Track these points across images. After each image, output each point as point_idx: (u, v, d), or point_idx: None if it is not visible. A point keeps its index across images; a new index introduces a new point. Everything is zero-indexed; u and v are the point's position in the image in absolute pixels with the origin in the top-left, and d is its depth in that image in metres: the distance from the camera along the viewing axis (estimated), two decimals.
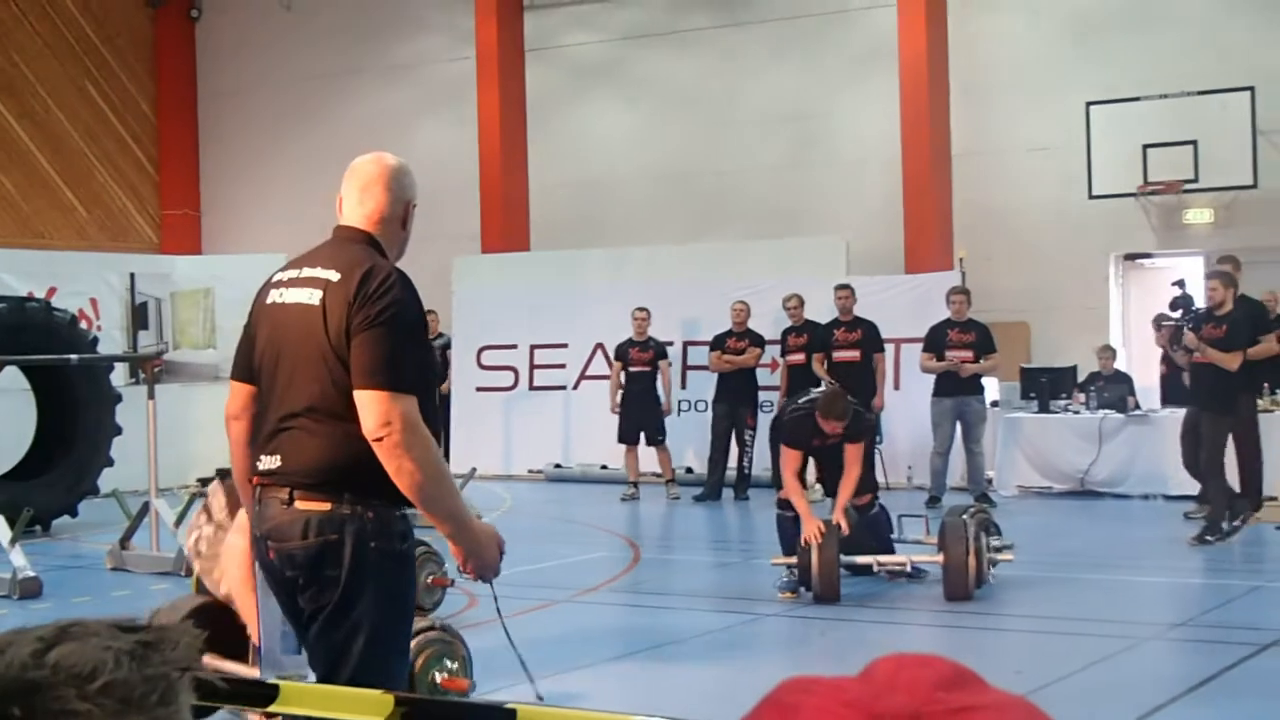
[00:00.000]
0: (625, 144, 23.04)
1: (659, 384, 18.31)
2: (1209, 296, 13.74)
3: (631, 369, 18.35)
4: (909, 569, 11.41)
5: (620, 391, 18.36)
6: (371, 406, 4.50)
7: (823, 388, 11.86)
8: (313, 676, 4.90)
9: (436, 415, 4.90)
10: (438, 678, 7.29)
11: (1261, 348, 14.05)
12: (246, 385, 4.94)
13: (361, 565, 4.63)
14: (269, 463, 4.71)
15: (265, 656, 5.74)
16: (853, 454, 11.24)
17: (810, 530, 10.80)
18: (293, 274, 4.82)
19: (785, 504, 11.48)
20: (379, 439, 4.49)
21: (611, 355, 18.91)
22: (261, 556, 4.84)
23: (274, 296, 4.84)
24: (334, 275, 4.68)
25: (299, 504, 4.64)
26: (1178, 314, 14.00)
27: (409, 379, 4.56)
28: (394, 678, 4.70)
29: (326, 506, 4.62)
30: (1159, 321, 16.20)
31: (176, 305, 21.02)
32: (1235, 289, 13.69)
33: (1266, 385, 16.39)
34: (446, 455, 18.65)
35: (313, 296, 4.69)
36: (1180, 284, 14.23)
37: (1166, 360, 17.47)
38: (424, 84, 24.81)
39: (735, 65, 22.29)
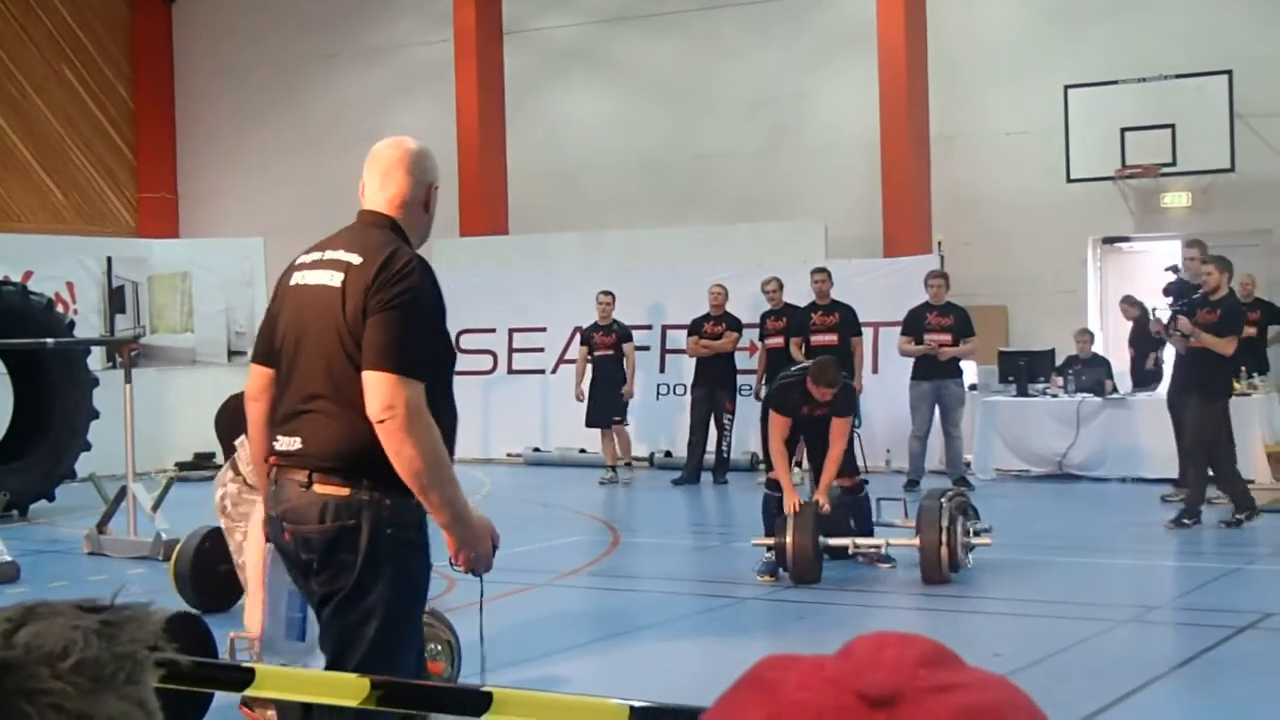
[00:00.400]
0: (603, 127, 23.02)
1: (625, 366, 18.29)
2: (1204, 281, 13.68)
3: (597, 353, 18.35)
4: (884, 553, 11.41)
5: (588, 376, 18.35)
6: (377, 389, 4.51)
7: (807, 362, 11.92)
8: (320, 661, 4.89)
9: (453, 405, 4.96)
10: None
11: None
12: (267, 368, 4.94)
13: (377, 551, 4.64)
14: (288, 444, 4.72)
15: (267, 641, 5.74)
16: (838, 429, 11.28)
17: (790, 502, 10.86)
18: (315, 256, 4.85)
19: (774, 484, 11.53)
20: (381, 421, 4.50)
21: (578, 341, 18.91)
22: (276, 537, 4.84)
23: (297, 278, 4.86)
24: (355, 258, 4.70)
25: (317, 487, 4.65)
26: (1169, 299, 14.01)
27: (418, 364, 4.57)
28: (402, 666, 4.67)
29: (345, 491, 4.63)
30: (1127, 305, 16.22)
31: (153, 289, 20.97)
32: (1230, 274, 13.67)
33: (1244, 369, 16.47)
34: None
35: (334, 279, 4.71)
36: (1174, 269, 14.26)
37: (1135, 344, 17.55)
38: (401, 67, 24.77)
39: (713, 49, 22.29)
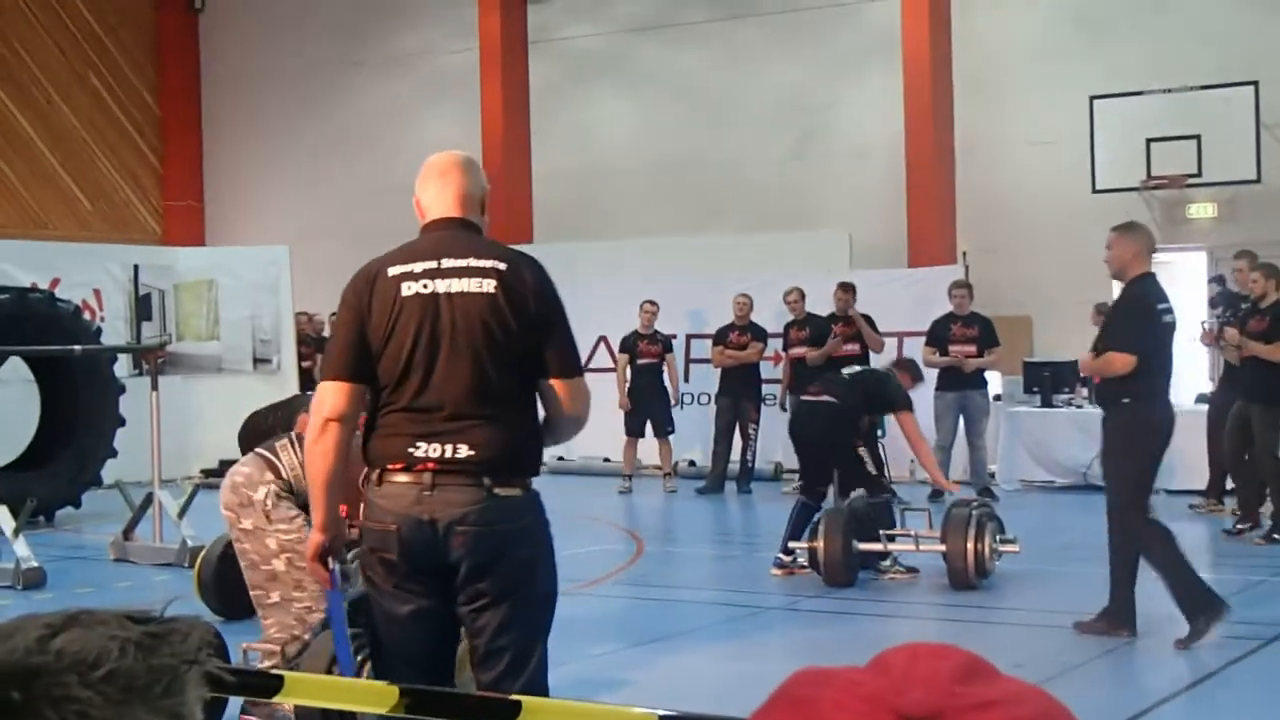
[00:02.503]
0: (627, 136, 23.02)
1: (665, 377, 18.32)
2: (1252, 289, 13.54)
3: (640, 361, 18.36)
4: (900, 562, 11.56)
5: (626, 384, 18.35)
6: (578, 394, 5.03)
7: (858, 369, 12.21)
8: None
9: None
10: None
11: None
12: (357, 385, 4.97)
13: (547, 542, 5.05)
14: (449, 451, 4.85)
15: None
16: (904, 423, 11.92)
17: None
18: (427, 265, 4.92)
19: (807, 490, 11.83)
20: (579, 421, 5.12)
21: (616, 348, 18.88)
22: (417, 542, 4.88)
23: (414, 288, 4.90)
24: (499, 264, 4.90)
25: (498, 490, 4.88)
26: (1218, 310, 13.91)
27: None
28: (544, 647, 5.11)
29: (518, 492, 4.95)
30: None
31: (180, 297, 21.01)
32: (1278, 281, 13.40)
33: None
34: None
35: (484, 285, 4.86)
36: (1220, 280, 14.12)
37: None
38: (427, 75, 24.80)
39: (737, 58, 22.27)
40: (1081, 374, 10.24)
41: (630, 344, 18.47)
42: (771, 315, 18.33)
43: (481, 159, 23.06)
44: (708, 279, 19.47)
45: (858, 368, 13.27)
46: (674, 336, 19.07)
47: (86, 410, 16.65)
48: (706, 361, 18.62)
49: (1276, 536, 13.22)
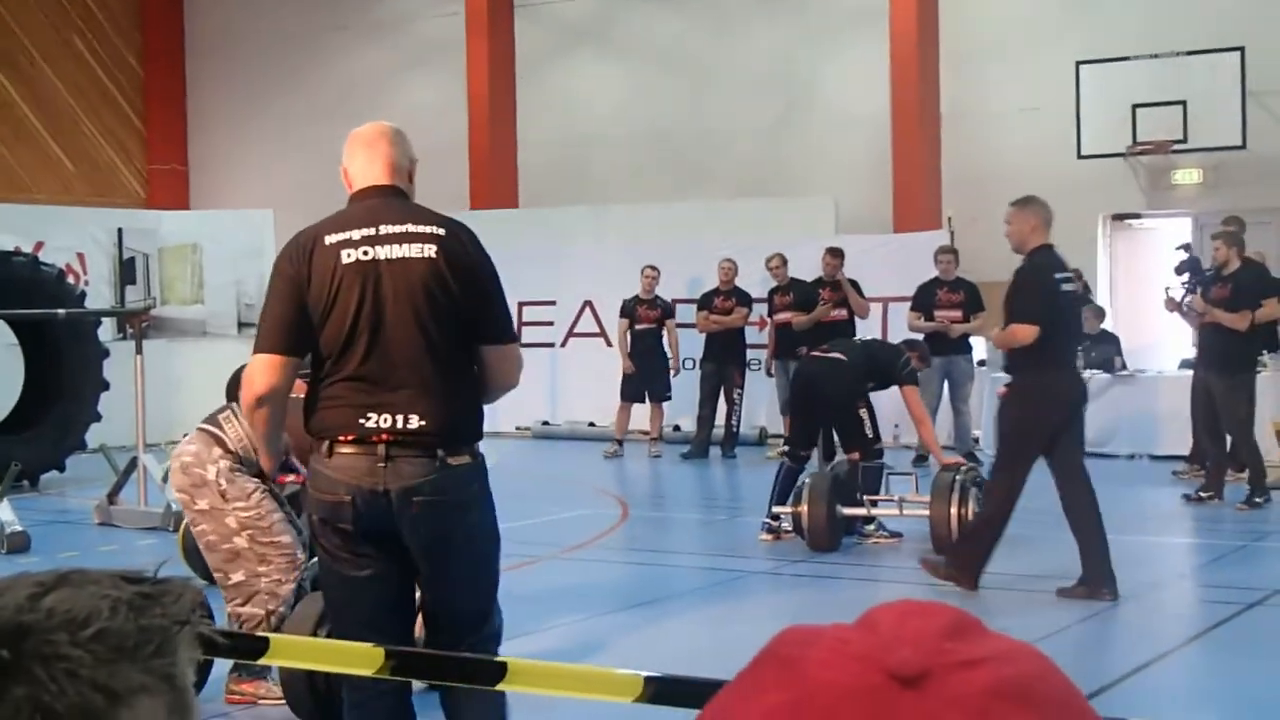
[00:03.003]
0: (613, 102, 22.96)
1: (664, 342, 18.33)
2: (1214, 257, 13.68)
3: (639, 327, 18.37)
4: (883, 528, 11.61)
5: (627, 348, 18.35)
6: (512, 359, 5.09)
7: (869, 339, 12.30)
8: None
9: None
10: None
11: (1265, 311, 13.81)
12: (291, 358, 4.95)
13: (490, 506, 5.14)
14: (401, 421, 4.84)
15: None
16: (909, 398, 11.96)
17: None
18: (365, 232, 4.90)
19: (793, 454, 11.75)
20: (511, 385, 5.14)
21: (603, 313, 18.87)
22: (370, 513, 4.90)
23: (353, 255, 4.88)
24: (438, 229, 4.92)
25: (450, 460, 4.92)
26: (1184, 277, 13.99)
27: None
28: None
29: (468, 459, 4.98)
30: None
31: (164, 261, 20.97)
32: (1240, 248, 13.57)
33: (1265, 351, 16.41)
34: None
35: (425, 250, 4.87)
36: (1186, 247, 14.23)
37: None
38: (412, 41, 24.71)
39: (724, 24, 22.21)
40: (997, 348, 10.43)
41: (630, 309, 18.46)
42: (756, 281, 18.33)
43: (467, 124, 23.21)
44: (693, 245, 19.46)
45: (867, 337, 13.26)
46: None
47: (70, 374, 16.62)
48: (691, 326, 18.62)
49: (1258, 500, 13.27)
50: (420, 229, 4.89)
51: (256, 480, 7.20)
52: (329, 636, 5.44)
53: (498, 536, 5.24)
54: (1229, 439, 13.65)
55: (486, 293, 4.96)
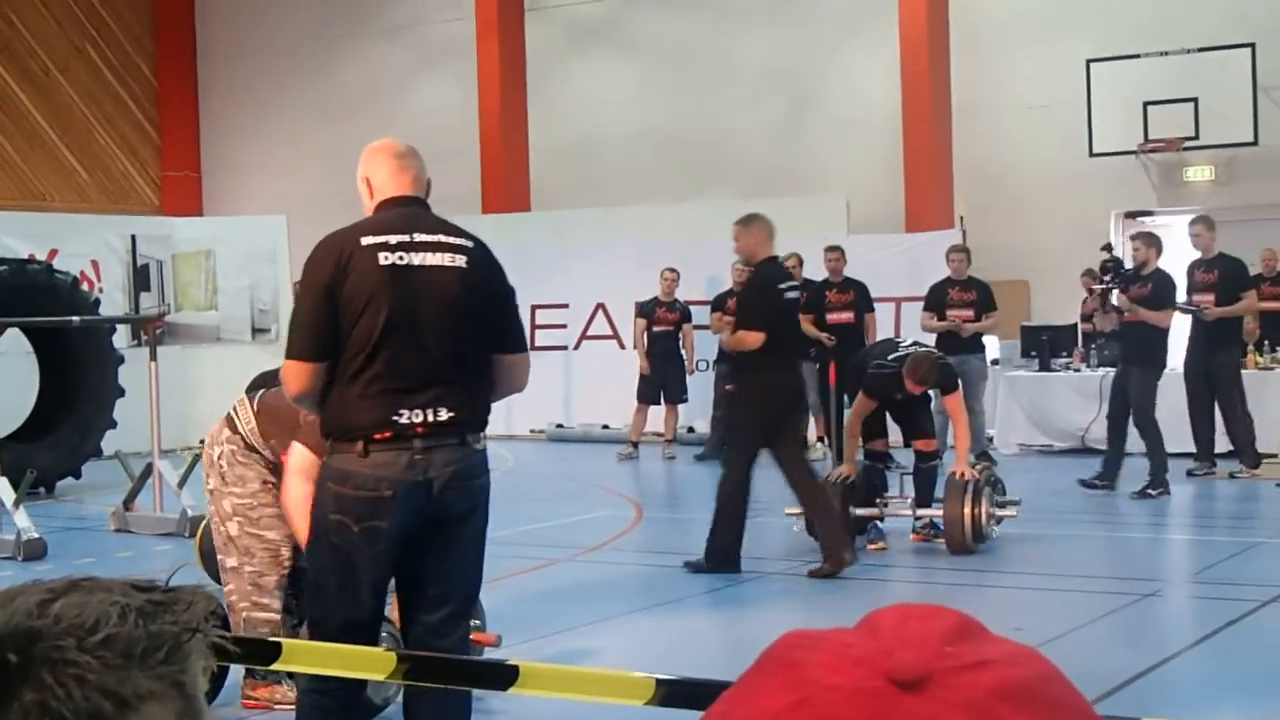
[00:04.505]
0: (624, 103, 22.97)
1: (681, 345, 18.35)
2: (1134, 257, 14.19)
3: (656, 329, 18.37)
4: (916, 521, 11.61)
5: (644, 349, 18.36)
6: (525, 367, 5.44)
7: (910, 347, 11.96)
8: None
9: None
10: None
11: (1243, 305, 14.77)
12: (322, 363, 5.11)
13: (489, 491, 5.40)
14: (433, 415, 5.10)
15: None
16: (953, 406, 11.70)
17: (839, 472, 11.13)
18: (401, 238, 5.12)
19: (871, 454, 11.73)
20: (520, 389, 5.51)
21: (635, 313, 18.82)
22: (412, 504, 5.10)
23: (389, 259, 5.09)
24: (467, 242, 5.24)
25: (475, 445, 5.26)
26: (1108, 277, 14.31)
27: None
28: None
29: (483, 448, 5.35)
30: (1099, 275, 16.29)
31: (178, 267, 21.00)
32: (1158, 250, 14.10)
33: (1268, 342, 16.50)
34: None
35: (456, 260, 5.17)
36: (1108, 248, 14.59)
37: (1088, 320, 17.63)
38: (423, 44, 24.74)
39: (733, 22, 22.21)
40: (728, 349, 10.99)
41: (649, 310, 18.47)
42: None
43: (478, 126, 23.18)
44: (705, 245, 19.43)
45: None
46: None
47: (86, 381, 16.66)
48: (705, 328, 18.61)
49: (1151, 492, 13.60)
50: (452, 240, 5.21)
51: (263, 471, 7.19)
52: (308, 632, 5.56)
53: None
54: (1228, 435, 13.99)
55: (506, 305, 5.35)
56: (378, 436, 5.02)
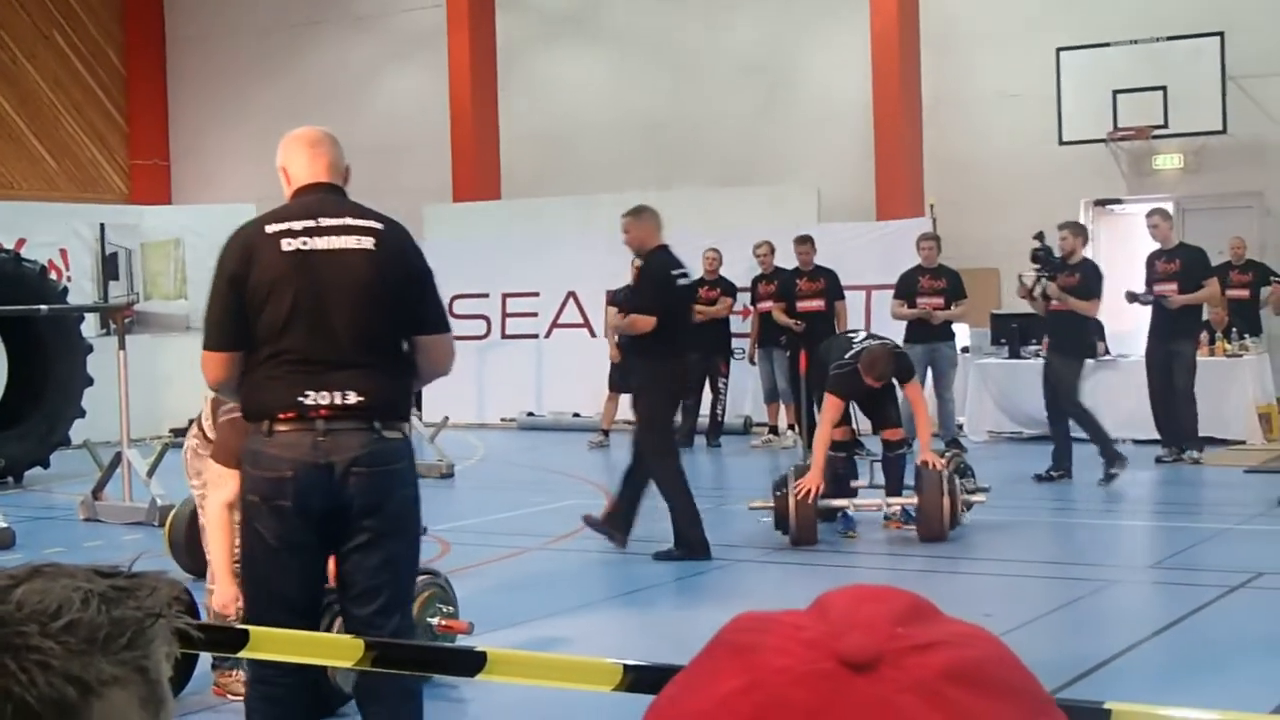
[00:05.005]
0: (596, 92, 22.95)
1: None
2: (1061, 247, 14.36)
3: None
4: (884, 509, 11.60)
5: (615, 338, 18.30)
6: (448, 347, 5.41)
7: (864, 341, 11.98)
8: None
9: None
10: (436, 621, 7.27)
11: (1203, 293, 14.88)
12: (236, 352, 5.17)
13: (417, 484, 5.38)
14: (341, 398, 5.07)
15: None
16: (913, 394, 11.73)
17: (807, 482, 10.95)
18: (306, 224, 5.14)
19: (837, 444, 11.71)
20: (444, 372, 5.46)
21: (605, 300, 18.77)
22: (313, 487, 5.07)
23: (293, 244, 5.10)
24: (376, 224, 5.19)
25: (386, 433, 5.15)
26: (1037, 266, 14.44)
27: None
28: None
29: (400, 436, 5.23)
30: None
31: (146, 256, 20.93)
32: (1084, 239, 14.47)
33: (1236, 330, 16.59)
34: (419, 404, 18.64)
35: (362, 242, 5.13)
36: (1039, 237, 14.68)
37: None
38: (394, 32, 24.67)
39: (705, 13, 22.20)
40: (620, 333, 11.21)
41: (620, 298, 18.40)
42: (740, 270, 18.34)
43: (449, 115, 23.12)
44: (676, 234, 19.36)
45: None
46: None
47: (54, 370, 16.57)
48: None
49: (1113, 472, 13.75)
50: (358, 222, 5.17)
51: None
52: (243, 615, 5.60)
53: (419, 518, 5.48)
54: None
55: (420, 285, 5.24)
56: (282, 416, 5.06)
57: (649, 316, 10.70)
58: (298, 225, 5.12)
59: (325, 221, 5.13)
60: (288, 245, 5.08)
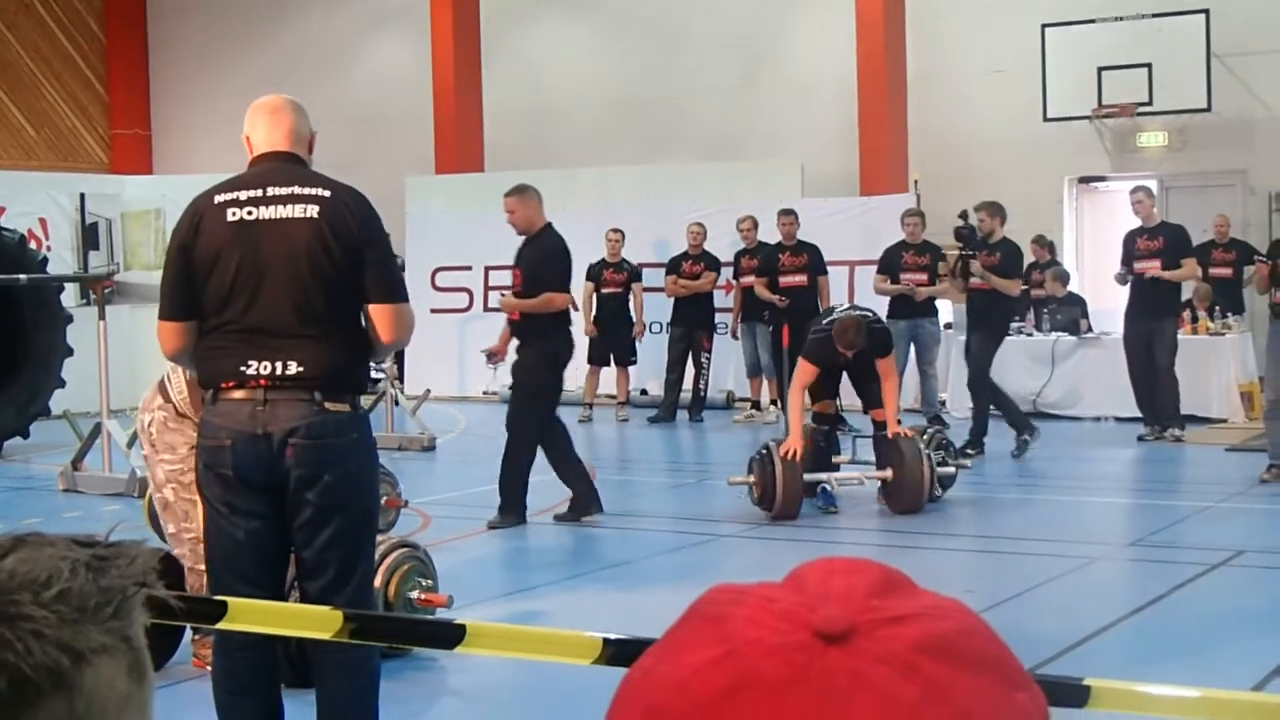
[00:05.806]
0: (579, 65, 22.91)
1: (631, 306, 18.29)
2: (980, 227, 14.59)
3: (604, 290, 18.33)
4: (862, 483, 11.63)
5: (593, 313, 18.30)
6: (398, 318, 5.18)
7: (844, 310, 12.00)
8: None
9: None
10: (415, 594, 7.25)
11: (1182, 271, 14.95)
12: (189, 321, 5.18)
13: (372, 459, 5.28)
14: (282, 368, 5.03)
15: None
16: (884, 367, 11.63)
17: (788, 446, 10.97)
18: (252, 193, 5.13)
19: (819, 418, 11.75)
20: (399, 344, 5.33)
21: (584, 276, 18.80)
22: (251, 456, 5.05)
23: (238, 214, 5.10)
24: (324, 192, 5.12)
25: (328, 405, 5.07)
26: (960, 245, 14.58)
27: (405, 292, 5.36)
28: (371, 562, 5.47)
29: (346, 408, 5.14)
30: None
31: (127, 226, 20.85)
32: (1002, 219, 14.62)
33: (1219, 308, 16.62)
34: (401, 377, 18.57)
35: (308, 210, 5.07)
36: (964, 215, 14.80)
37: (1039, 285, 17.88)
38: (376, 3, 24.60)
39: None
40: (511, 314, 11.19)
41: (596, 272, 18.42)
42: (723, 244, 18.34)
43: (432, 88, 23.05)
44: (660, 208, 19.44)
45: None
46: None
47: (34, 341, 16.52)
48: (660, 291, 18.60)
49: (1026, 439, 14.16)
50: (305, 191, 5.12)
51: (193, 437, 7.10)
52: (205, 588, 5.56)
53: (377, 496, 5.45)
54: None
55: (370, 254, 5.13)
56: (224, 385, 5.07)
57: (564, 294, 11.00)
58: (244, 195, 5.12)
59: (273, 191, 5.11)
60: (232, 215, 5.09)
